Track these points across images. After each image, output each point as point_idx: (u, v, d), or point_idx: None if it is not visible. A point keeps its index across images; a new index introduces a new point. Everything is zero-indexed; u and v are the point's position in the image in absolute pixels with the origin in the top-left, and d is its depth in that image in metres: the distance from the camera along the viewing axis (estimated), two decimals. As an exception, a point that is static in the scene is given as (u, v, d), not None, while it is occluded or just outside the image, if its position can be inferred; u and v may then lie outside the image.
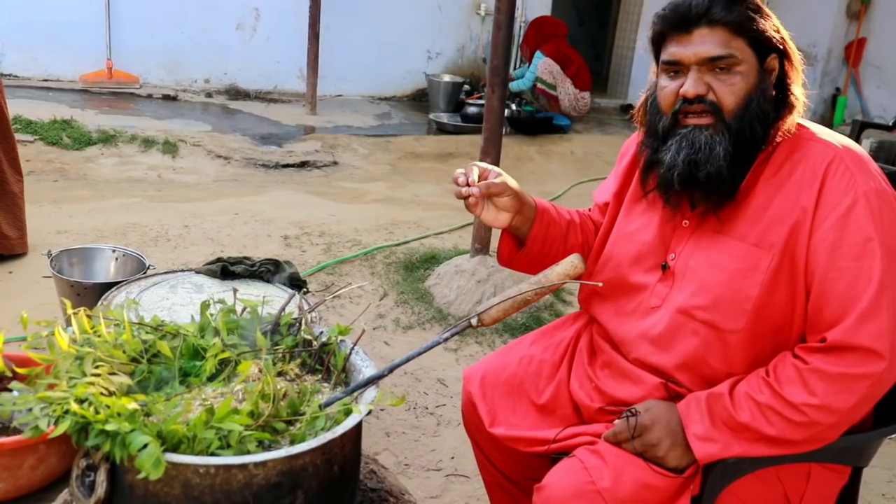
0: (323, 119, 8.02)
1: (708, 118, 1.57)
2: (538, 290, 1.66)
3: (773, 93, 1.57)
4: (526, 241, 1.84)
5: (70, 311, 1.49)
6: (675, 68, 1.59)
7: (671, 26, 1.59)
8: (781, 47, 1.57)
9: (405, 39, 9.32)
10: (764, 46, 1.55)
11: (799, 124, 1.61)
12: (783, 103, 1.58)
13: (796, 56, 1.60)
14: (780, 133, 1.58)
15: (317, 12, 7.73)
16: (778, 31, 1.57)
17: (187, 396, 1.47)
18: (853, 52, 9.74)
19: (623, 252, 1.79)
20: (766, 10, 1.57)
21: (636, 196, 1.80)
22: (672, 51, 1.59)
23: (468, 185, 1.71)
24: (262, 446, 1.36)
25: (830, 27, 9.58)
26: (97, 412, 1.27)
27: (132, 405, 1.28)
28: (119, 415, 1.26)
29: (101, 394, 1.32)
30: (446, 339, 1.60)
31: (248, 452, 1.32)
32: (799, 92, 1.60)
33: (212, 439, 1.30)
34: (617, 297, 1.79)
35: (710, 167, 1.56)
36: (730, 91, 1.55)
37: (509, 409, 1.87)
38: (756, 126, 1.55)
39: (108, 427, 1.24)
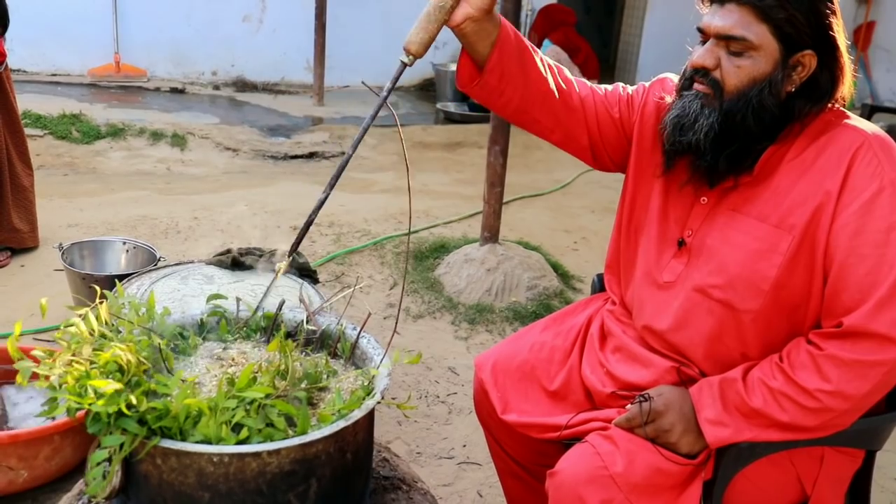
0: (331, 110, 8.02)
1: (707, 88, 1.57)
2: None
3: (792, 89, 1.53)
4: (484, 68, 1.67)
5: (97, 298, 1.49)
6: (703, 36, 1.59)
7: None
8: (823, 47, 1.51)
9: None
10: (794, 40, 1.50)
11: (829, 109, 1.58)
12: (812, 101, 1.54)
13: (844, 61, 1.54)
14: (798, 125, 1.55)
15: (323, 3, 7.72)
16: (825, 31, 1.50)
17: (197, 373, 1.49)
18: (862, 35, 9.67)
19: (644, 222, 1.78)
20: (832, 7, 1.50)
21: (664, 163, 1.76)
22: (704, 18, 1.58)
23: None
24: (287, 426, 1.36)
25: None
26: (83, 394, 1.25)
27: (112, 385, 1.25)
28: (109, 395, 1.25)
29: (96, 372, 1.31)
30: (387, 96, 1.55)
31: (272, 424, 1.32)
32: (839, 96, 1.56)
33: (234, 408, 1.30)
34: (641, 265, 1.79)
35: (690, 135, 1.57)
36: (735, 73, 1.53)
37: (521, 396, 1.87)
38: (748, 115, 1.52)
39: (94, 408, 1.23)
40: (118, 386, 1.26)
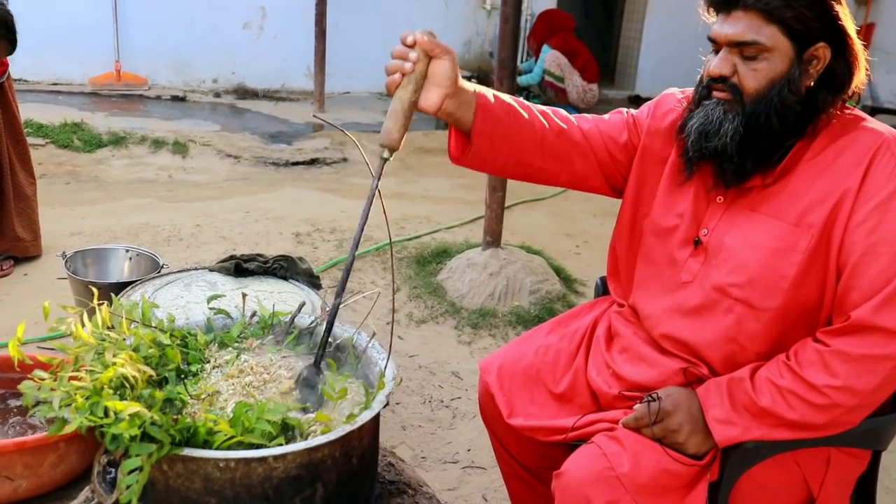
0: (331, 116, 8.01)
1: (728, 95, 1.58)
2: (412, 85, 1.54)
3: (811, 83, 1.55)
4: (471, 136, 1.69)
5: (95, 302, 1.49)
6: (715, 45, 1.60)
7: (715, 3, 1.59)
8: (834, 37, 1.53)
9: (412, 35, 9.31)
10: (804, 36, 1.52)
11: (847, 110, 1.60)
12: (832, 91, 1.56)
13: (857, 47, 1.57)
14: (823, 119, 1.56)
15: (323, 9, 7.74)
16: (834, 22, 1.53)
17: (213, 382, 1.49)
18: (861, 37, 9.66)
19: (660, 222, 1.79)
20: None
21: (676, 166, 1.77)
22: (713, 27, 1.60)
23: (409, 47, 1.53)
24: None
25: (839, 13, 9.52)
26: (106, 415, 1.25)
27: (132, 409, 1.24)
28: (129, 416, 1.25)
29: (109, 391, 1.31)
30: (372, 198, 1.51)
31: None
32: (856, 83, 1.58)
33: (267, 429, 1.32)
34: (650, 268, 1.79)
35: (716, 141, 1.58)
36: (752, 76, 1.54)
37: (527, 399, 1.87)
38: (772, 115, 1.54)
39: (114, 431, 1.23)
40: (138, 408, 1.25)
